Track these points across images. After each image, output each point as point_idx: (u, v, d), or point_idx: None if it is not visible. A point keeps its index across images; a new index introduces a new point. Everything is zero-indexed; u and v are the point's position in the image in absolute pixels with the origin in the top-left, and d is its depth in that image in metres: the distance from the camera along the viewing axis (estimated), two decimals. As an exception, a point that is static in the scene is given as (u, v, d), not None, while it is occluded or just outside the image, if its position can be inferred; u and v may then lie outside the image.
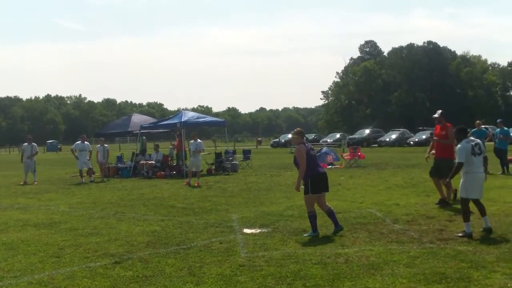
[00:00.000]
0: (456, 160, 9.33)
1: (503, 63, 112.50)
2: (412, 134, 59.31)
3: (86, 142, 23.91)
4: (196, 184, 19.50)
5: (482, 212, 9.45)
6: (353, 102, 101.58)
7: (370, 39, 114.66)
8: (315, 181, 9.68)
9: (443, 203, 12.61)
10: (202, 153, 21.67)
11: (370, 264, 7.55)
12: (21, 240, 10.14)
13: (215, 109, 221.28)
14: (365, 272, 7.16)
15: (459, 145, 9.46)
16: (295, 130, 10.28)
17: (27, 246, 9.53)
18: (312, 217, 9.72)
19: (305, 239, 9.40)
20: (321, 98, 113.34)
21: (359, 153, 28.28)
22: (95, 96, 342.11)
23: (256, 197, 15.74)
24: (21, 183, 22.51)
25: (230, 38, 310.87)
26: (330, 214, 9.88)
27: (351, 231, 9.90)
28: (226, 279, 7.07)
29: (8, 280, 7.38)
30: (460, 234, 9.20)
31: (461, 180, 9.39)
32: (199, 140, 20.97)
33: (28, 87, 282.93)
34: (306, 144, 9.96)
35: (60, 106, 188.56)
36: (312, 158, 9.85)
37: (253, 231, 10.29)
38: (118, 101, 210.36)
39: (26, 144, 24.28)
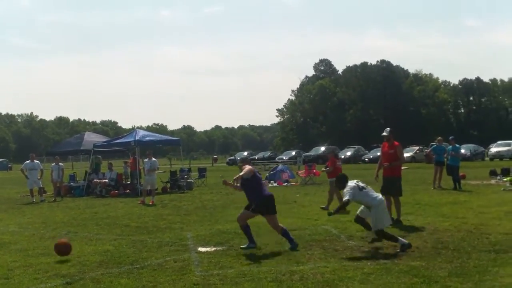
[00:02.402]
0: (345, 198, 9.71)
1: (454, 81, 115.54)
2: (366, 151, 60.18)
3: (36, 161, 23.41)
4: (150, 203, 19.30)
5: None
6: (308, 119, 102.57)
7: (325, 57, 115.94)
8: (261, 203, 9.99)
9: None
10: (156, 171, 21.49)
11: (325, 281, 7.54)
12: (-34, 262, 9.82)
13: (171, 127, 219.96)
14: (320, 289, 7.14)
15: (345, 188, 9.85)
16: (241, 158, 11.07)
17: (-26, 268, 9.23)
18: (246, 228, 10.11)
19: (259, 256, 9.34)
20: (276, 116, 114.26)
21: (314, 170, 28.47)
22: (47, 114, 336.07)
23: (211, 215, 15.64)
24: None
25: (186, 56, 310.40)
26: (285, 234, 10.05)
27: (306, 248, 9.90)
28: (180, 299, 6.96)
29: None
30: (399, 250, 9.30)
31: (372, 215, 9.67)
32: (153, 159, 20.83)
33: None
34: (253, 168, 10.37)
35: (10, 124, 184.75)
36: (259, 180, 10.26)
37: (208, 249, 10.20)
38: (71, 119, 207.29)
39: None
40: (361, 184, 9.86)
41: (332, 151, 16.94)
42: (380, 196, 10.03)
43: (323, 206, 15.75)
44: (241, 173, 10.03)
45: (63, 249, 9.76)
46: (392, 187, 12.80)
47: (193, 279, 7.90)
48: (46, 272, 8.73)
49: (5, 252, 10.63)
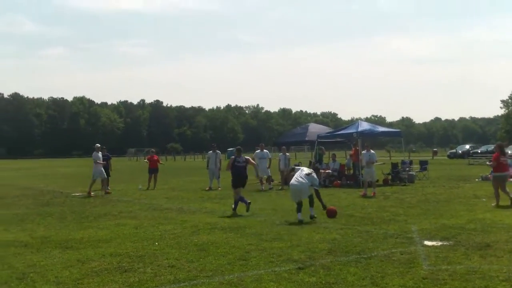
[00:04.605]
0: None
1: None
2: None
3: (265, 150, 24.82)
4: (372, 194, 19.47)
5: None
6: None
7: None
8: (233, 180, 15.95)
9: None
10: (375, 164, 21.51)
11: None
12: (210, 242, 10.83)
13: (389, 119, 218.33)
14: (559, 293, 6.79)
15: None
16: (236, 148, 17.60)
17: (217, 248, 10.16)
18: (241, 198, 15.55)
19: (489, 254, 9.07)
20: (500, 107, 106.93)
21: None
22: (272, 106, 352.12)
23: (435, 208, 15.43)
24: (207, 189, 23.89)
25: (404, 46, 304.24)
26: (240, 199, 15.52)
27: (541, 249, 9.40)
28: (409, 291, 7.07)
29: (201, 279, 7.93)
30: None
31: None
32: (371, 151, 20.94)
33: (210, 97, 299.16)
34: (237, 158, 16.27)
35: (239, 116, 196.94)
36: (236, 166, 16.07)
37: (434, 243, 10.15)
38: (294, 110, 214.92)
39: (211, 152, 25.70)
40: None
41: (497, 146, 16.81)
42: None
43: (493, 204, 15.75)
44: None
45: (332, 213, 13.66)
46: None
47: (421, 272, 7.95)
48: (279, 256, 9.33)
49: (241, 235, 11.53)
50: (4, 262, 9.44)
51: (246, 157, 16.83)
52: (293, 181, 14.01)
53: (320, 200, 13.99)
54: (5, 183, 32.95)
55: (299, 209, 13.61)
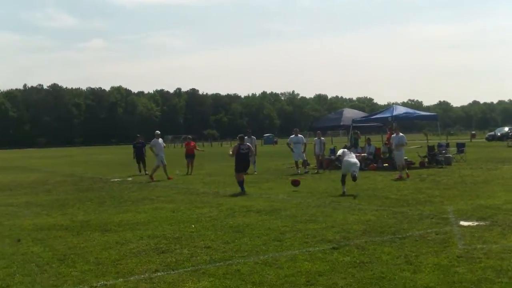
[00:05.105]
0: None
1: None
2: None
3: (300, 135, 24.86)
4: (406, 176, 19.39)
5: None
6: None
7: None
8: (237, 165, 17.36)
9: None
10: (404, 146, 21.26)
11: None
12: (246, 224, 10.97)
13: (426, 102, 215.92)
14: None
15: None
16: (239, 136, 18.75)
17: (252, 230, 10.29)
18: (240, 183, 17.06)
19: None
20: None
21: None
22: (307, 92, 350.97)
23: (472, 190, 15.31)
24: (242, 173, 24.02)
25: (441, 32, 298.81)
26: (240, 183, 17.07)
27: None
28: (443, 269, 7.07)
29: (237, 259, 8.07)
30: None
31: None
32: (401, 134, 20.77)
33: (246, 84, 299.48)
34: (241, 145, 17.59)
35: (275, 102, 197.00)
36: (240, 153, 17.40)
37: (470, 223, 10.10)
38: (329, 96, 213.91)
39: (246, 137, 25.81)
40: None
41: None
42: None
43: None
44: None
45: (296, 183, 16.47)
46: None
47: (456, 251, 7.94)
48: (313, 237, 9.41)
49: (276, 218, 11.64)
50: (46, 244, 9.74)
51: (248, 144, 18.81)
52: (347, 157, 16.05)
53: (343, 181, 15.74)
54: (46, 170, 33.72)
55: (343, 182, 15.66)
